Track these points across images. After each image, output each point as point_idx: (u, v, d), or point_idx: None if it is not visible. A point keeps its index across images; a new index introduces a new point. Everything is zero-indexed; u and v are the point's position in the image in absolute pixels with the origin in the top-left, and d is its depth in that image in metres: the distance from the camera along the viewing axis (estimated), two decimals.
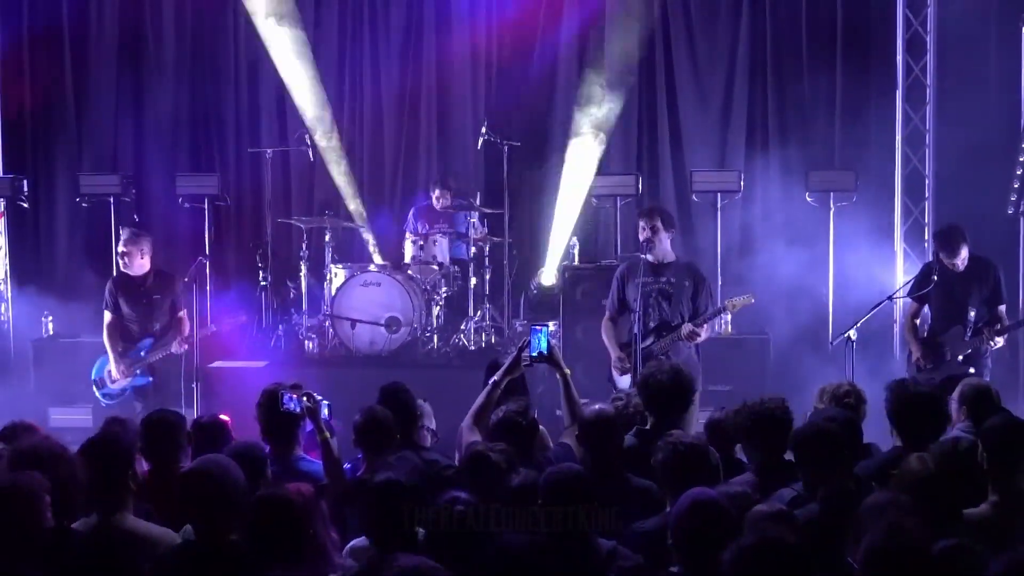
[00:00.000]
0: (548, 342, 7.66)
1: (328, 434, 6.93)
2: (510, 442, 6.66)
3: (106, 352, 11.63)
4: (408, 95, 15.01)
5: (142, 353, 11.50)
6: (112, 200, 14.18)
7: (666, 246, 10.08)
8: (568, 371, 7.72)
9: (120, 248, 11.65)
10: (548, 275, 13.70)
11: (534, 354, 7.62)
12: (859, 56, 13.98)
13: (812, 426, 6.41)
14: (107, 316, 11.66)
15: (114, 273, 12.26)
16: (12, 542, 5.19)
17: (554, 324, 12.93)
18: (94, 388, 11.71)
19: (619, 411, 7.38)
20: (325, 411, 7.07)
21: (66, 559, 5.12)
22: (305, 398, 7.01)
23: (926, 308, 10.70)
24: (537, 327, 7.79)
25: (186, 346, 11.48)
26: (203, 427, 7.26)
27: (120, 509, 5.75)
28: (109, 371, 11.59)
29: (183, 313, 11.63)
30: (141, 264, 11.51)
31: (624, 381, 9.83)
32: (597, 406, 7.13)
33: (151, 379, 11.57)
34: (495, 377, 7.58)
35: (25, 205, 14.71)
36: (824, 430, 6.25)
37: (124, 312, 11.59)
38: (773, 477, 6.37)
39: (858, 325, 10.07)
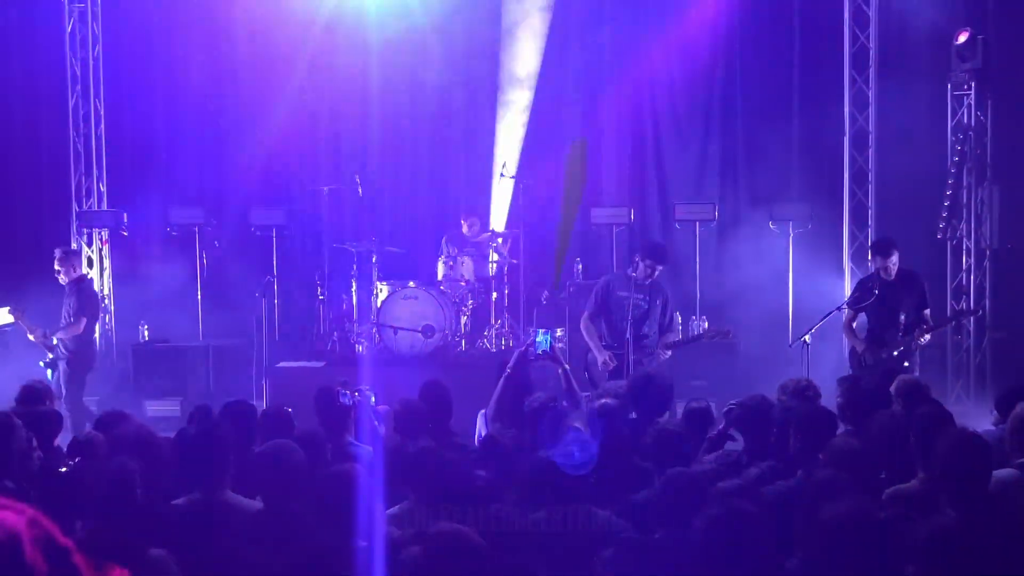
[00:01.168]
0: (550, 342, 7.75)
1: (375, 421, 6.99)
2: (543, 426, 6.69)
3: None
4: (439, 142, 15.07)
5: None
6: (197, 229, 14.30)
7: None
8: (567, 366, 7.78)
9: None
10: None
11: (539, 351, 7.71)
12: (814, 108, 14.00)
13: (814, 410, 6.40)
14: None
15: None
16: (108, 516, 5.19)
17: (561, 330, 13.02)
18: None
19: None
20: (371, 400, 7.13)
21: (168, 530, 5.16)
22: (356, 393, 7.05)
23: (862, 315, 10.71)
24: (542, 330, 7.89)
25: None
26: (271, 416, 7.29)
27: (220, 487, 5.75)
28: None
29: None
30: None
31: (602, 378, 9.78)
32: (604, 399, 7.15)
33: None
34: (508, 369, 7.63)
35: (125, 234, 14.79)
36: (826, 413, 6.28)
37: None
38: (755, 456, 6.39)
39: (812, 331, 10.10)
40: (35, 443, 6.42)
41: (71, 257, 12.00)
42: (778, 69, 14.18)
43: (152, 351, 13.60)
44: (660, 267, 10.06)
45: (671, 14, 14.35)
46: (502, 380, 7.59)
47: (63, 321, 11.64)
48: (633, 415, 7.45)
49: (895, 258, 10.38)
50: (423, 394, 7.53)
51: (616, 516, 5.61)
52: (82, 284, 11.85)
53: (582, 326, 10.23)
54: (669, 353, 10.01)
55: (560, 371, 7.74)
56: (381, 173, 14.97)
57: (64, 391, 11.33)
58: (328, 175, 14.69)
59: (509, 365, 7.65)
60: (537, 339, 7.79)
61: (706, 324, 10.43)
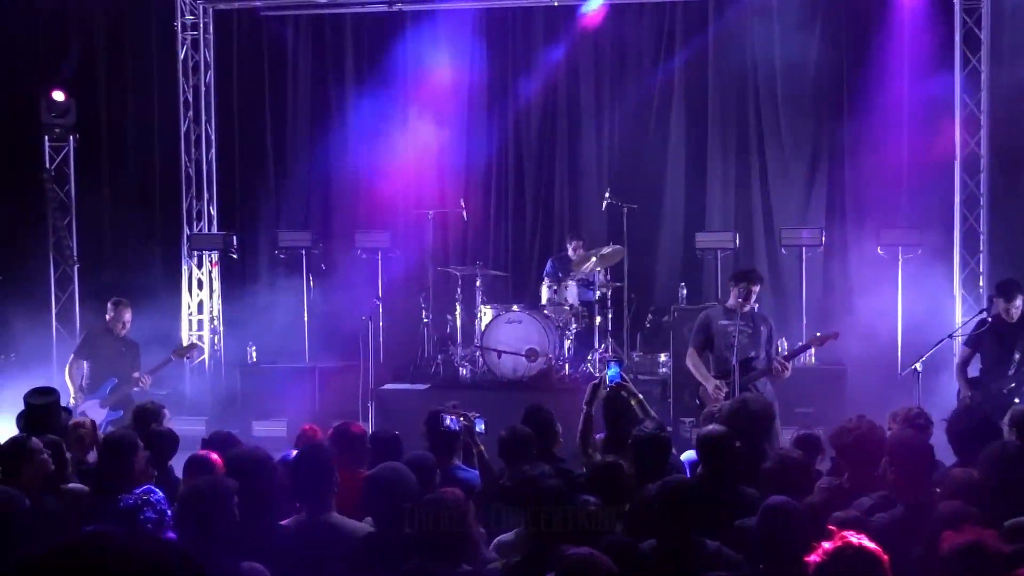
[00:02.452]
0: (620, 373, 7.68)
1: (481, 447, 6.98)
2: (649, 455, 6.65)
3: None
4: (545, 167, 15.09)
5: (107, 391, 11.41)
6: (304, 252, 14.46)
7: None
8: (640, 396, 7.71)
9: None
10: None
11: (611, 384, 7.65)
12: (923, 134, 13.75)
13: (911, 438, 6.24)
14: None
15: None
16: (207, 534, 5.22)
17: (665, 355, 12.93)
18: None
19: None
20: (480, 427, 7.11)
21: (274, 549, 5.20)
22: (462, 418, 7.04)
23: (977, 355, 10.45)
24: (612, 362, 7.81)
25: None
26: (380, 439, 7.30)
27: (326, 508, 5.79)
28: None
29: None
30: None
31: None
32: (711, 425, 7.06)
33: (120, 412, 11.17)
34: (585, 406, 7.57)
35: (234, 256, 15.05)
36: (921, 443, 6.13)
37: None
38: (860, 487, 6.27)
39: (923, 359, 9.90)
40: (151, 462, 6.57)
41: None
42: (887, 92, 13.95)
43: (259, 372, 13.75)
44: (754, 287, 9.85)
45: (777, 38, 14.22)
46: (583, 415, 7.55)
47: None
48: (737, 443, 7.34)
49: (1019, 302, 10.09)
50: (527, 418, 7.48)
51: (725, 546, 5.50)
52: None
53: (688, 361, 10.08)
54: (789, 370, 9.73)
55: (635, 402, 7.66)
56: (485, 197, 15.01)
57: None
58: (433, 199, 14.75)
59: (584, 400, 7.60)
60: (608, 372, 7.71)
61: (817, 333, 10.20)
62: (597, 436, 7.61)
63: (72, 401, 11.13)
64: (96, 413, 10.94)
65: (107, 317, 11.72)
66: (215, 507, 5.22)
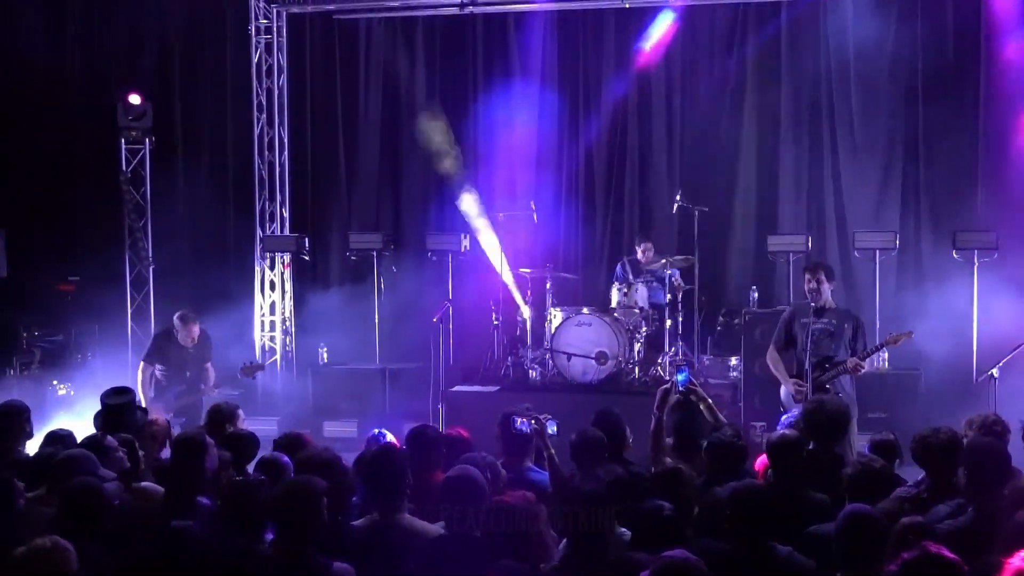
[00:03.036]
0: (689, 377, 7.65)
1: (552, 450, 6.97)
2: (724, 461, 6.63)
3: None
4: (615, 169, 15.03)
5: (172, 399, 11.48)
6: (375, 254, 14.54)
7: (827, 295, 9.87)
8: (710, 400, 7.67)
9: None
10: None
11: (681, 388, 7.62)
12: (998, 133, 13.54)
13: (987, 444, 6.16)
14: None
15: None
16: (297, 533, 5.29)
17: (735, 359, 12.84)
18: None
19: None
20: (552, 428, 7.10)
21: (347, 549, 5.24)
22: (533, 421, 7.04)
23: None
24: (681, 367, 7.78)
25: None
26: (451, 441, 7.30)
27: (398, 510, 5.82)
28: None
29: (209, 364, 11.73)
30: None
31: (795, 407, 9.62)
32: (783, 430, 7.00)
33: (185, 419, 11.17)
34: (655, 412, 7.53)
35: (306, 258, 15.18)
36: (998, 449, 6.04)
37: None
38: (939, 493, 6.18)
39: (1000, 364, 9.74)
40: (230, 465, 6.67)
41: None
42: (962, 92, 13.77)
43: (331, 373, 13.82)
44: (818, 276, 9.75)
45: (851, 33, 14.05)
46: (652, 422, 7.51)
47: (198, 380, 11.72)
48: (811, 445, 7.28)
49: None
50: (597, 422, 7.46)
51: (797, 552, 5.46)
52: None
53: (768, 359, 10.04)
54: (864, 367, 9.61)
55: (704, 406, 7.62)
56: (555, 199, 15.02)
57: None
58: (504, 201, 14.78)
59: (655, 407, 7.56)
60: (677, 378, 7.68)
61: (892, 332, 10.08)
62: (668, 440, 7.57)
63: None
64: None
65: (175, 331, 11.74)
66: (309, 507, 5.29)
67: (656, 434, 7.43)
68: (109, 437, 6.97)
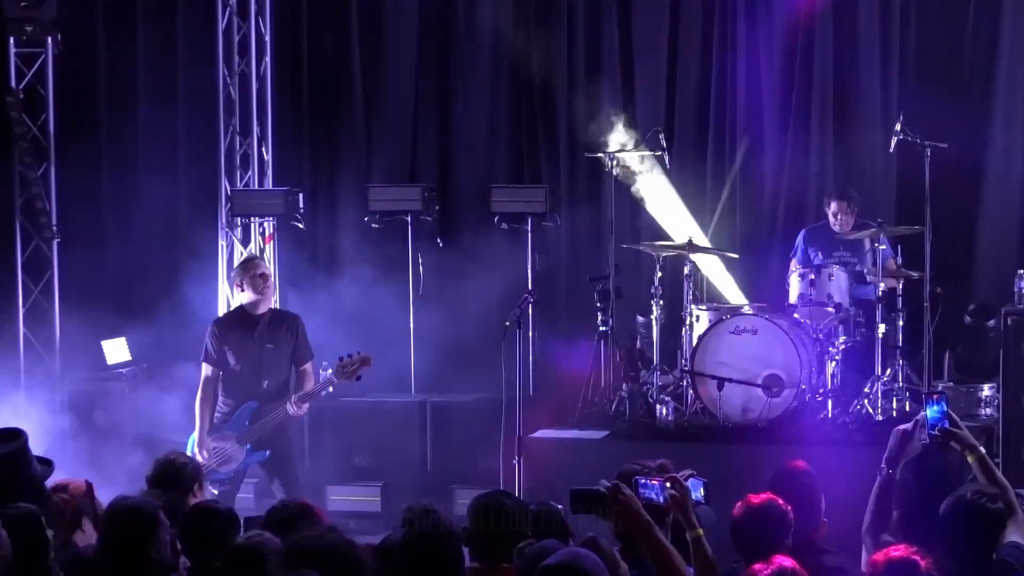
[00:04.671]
0: (947, 413, 7.47)
1: (700, 530, 6.83)
2: (974, 536, 6.59)
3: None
4: (795, 92, 15.04)
5: (246, 422, 11.56)
6: (410, 218, 14.59)
7: None
8: (982, 450, 7.50)
9: (259, 271, 11.80)
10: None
11: (934, 431, 7.44)
12: None
13: None
14: (206, 369, 11.72)
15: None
16: None
17: (990, 387, 12.65)
18: None
19: None
20: (699, 493, 6.96)
21: None
22: (670, 483, 6.89)
23: None
24: (934, 397, 7.60)
25: (306, 406, 11.56)
26: (537, 517, 7.27)
27: None
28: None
29: (308, 366, 11.77)
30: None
31: None
32: None
33: (268, 452, 11.58)
34: (885, 465, 7.43)
35: (300, 226, 15.13)
36: None
37: (231, 365, 11.70)
38: None
39: None
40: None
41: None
42: None
43: (338, 409, 13.85)
44: None
45: None
46: (877, 482, 7.41)
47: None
48: None
49: None
50: (774, 486, 7.52)
51: None
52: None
53: None
54: None
55: (972, 459, 7.45)
56: (698, 134, 15.13)
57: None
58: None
59: (885, 458, 7.44)
60: (928, 413, 7.50)
61: None
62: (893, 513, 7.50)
63: (195, 449, 11.45)
64: (232, 454, 11.47)
65: (236, 289, 11.93)
66: None
67: (880, 504, 7.35)
68: None
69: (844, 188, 13.87)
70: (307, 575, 5.70)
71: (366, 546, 6.67)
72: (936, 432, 7.52)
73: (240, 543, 6.83)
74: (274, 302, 12.54)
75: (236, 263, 14.98)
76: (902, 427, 7.57)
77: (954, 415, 7.69)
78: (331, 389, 11.83)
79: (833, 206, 13.52)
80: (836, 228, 13.45)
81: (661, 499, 6.97)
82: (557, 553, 5.95)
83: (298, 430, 13.70)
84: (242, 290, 11.74)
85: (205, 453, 11.37)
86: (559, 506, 7.52)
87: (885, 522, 7.37)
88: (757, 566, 6.17)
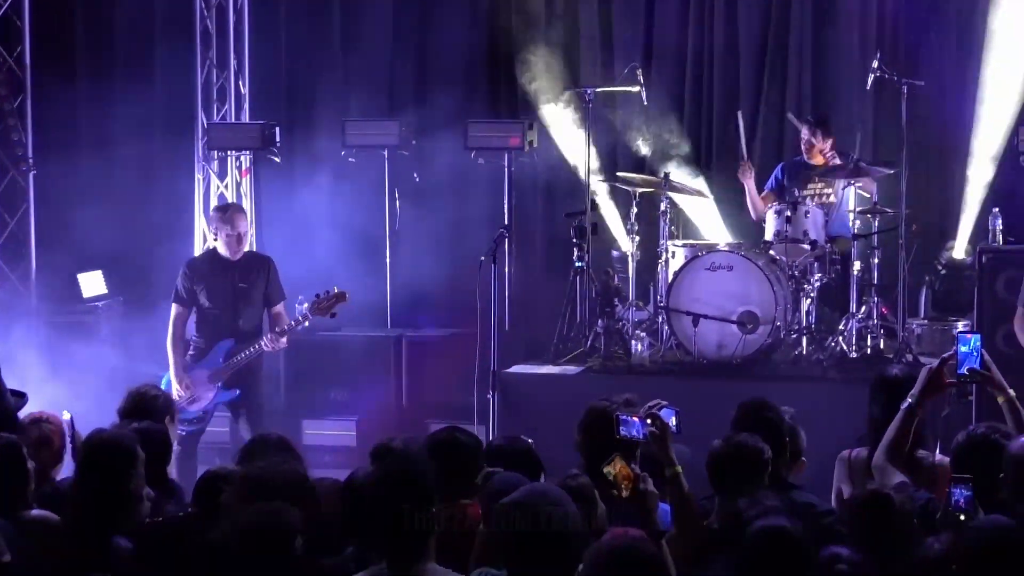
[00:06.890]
0: (982, 352, 7.36)
1: (678, 467, 6.78)
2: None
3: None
4: (772, 21, 14.99)
5: (220, 360, 11.62)
6: (386, 153, 14.59)
7: None
8: (1012, 393, 7.42)
9: (237, 230, 11.80)
10: (960, 250, 13.42)
11: (963, 371, 7.34)
12: None
13: None
14: (175, 309, 11.81)
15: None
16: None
17: (964, 323, 12.65)
18: None
19: None
20: (672, 421, 6.93)
21: None
22: (649, 420, 6.85)
23: None
24: (966, 334, 7.51)
25: (283, 342, 11.63)
26: (506, 453, 7.32)
27: (419, 558, 5.85)
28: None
29: (280, 307, 11.90)
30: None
31: None
32: None
33: (239, 391, 11.69)
34: (909, 399, 7.38)
35: (276, 160, 15.10)
36: None
37: (204, 305, 11.79)
38: None
39: None
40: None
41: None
42: None
43: (313, 344, 13.85)
44: None
45: None
46: (901, 413, 7.32)
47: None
48: None
49: None
50: (743, 422, 7.51)
51: None
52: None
53: (1016, 325, 10.07)
54: None
55: (1002, 400, 7.39)
56: (675, 70, 15.09)
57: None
58: (593, 71, 14.98)
59: (915, 391, 7.34)
60: (961, 348, 7.39)
61: None
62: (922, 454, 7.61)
63: (174, 386, 11.58)
64: (204, 391, 11.61)
65: (211, 233, 12.05)
66: (275, 554, 5.56)
67: (899, 439, 7.32)
68: None
69: (822, 118, 13.83)
70: (280, 513, 5.68)
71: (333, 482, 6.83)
72: (966, 372, 7.45)
73: (209, 475, 7.03)
74: (249, 242, 12.62)
75: (214, 199, 15.04)
76: (931, 366, 7.54)
77: (987, 355, 7.61)
78: (307, 324, 11.87)
79: (809, 136, 13.49)
80: (813, 160, 13.41)
81: (641, 436, 6.96)
82: (520, 490, 5.90)
83: (273, 365, 13.76)
84: (216, 238, 11.83)
85: (184, 389, 11.43)
86: (529, 440, 7.53)
87: (899, 455, 7.34)
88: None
